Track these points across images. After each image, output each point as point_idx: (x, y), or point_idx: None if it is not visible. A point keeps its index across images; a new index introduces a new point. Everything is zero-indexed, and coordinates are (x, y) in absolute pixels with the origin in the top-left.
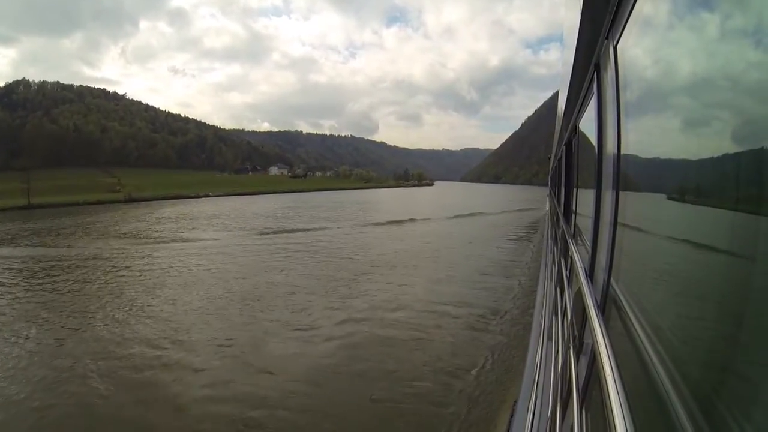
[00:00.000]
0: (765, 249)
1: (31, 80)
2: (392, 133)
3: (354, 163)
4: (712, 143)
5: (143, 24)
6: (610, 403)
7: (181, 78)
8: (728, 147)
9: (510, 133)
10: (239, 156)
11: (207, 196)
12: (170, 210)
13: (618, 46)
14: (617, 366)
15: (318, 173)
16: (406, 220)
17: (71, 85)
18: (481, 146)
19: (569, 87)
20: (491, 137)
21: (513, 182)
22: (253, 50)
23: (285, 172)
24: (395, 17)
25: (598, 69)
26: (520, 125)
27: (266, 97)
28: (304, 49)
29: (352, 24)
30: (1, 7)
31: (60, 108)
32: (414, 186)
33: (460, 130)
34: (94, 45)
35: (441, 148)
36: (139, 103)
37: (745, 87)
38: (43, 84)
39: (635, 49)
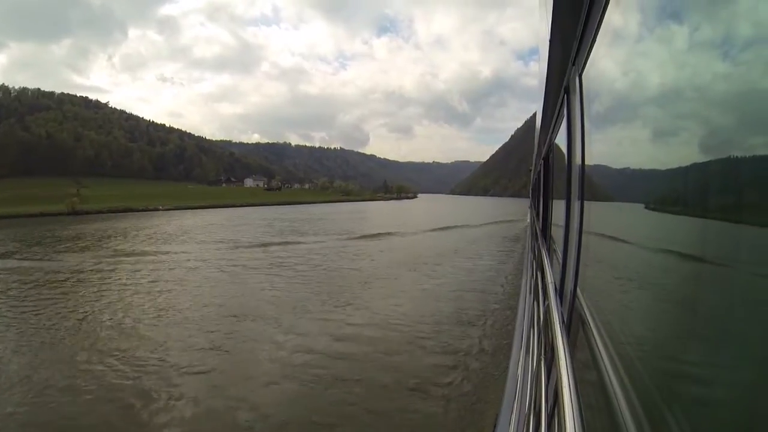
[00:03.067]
0: (728, 256)
1: (10, 86)
2: (383, 145)
3: (343, 175)
4: (674, 157)
5: (132, 32)
6: (565, 420)
7: (170, 87)
8: (691, 160)
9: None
10: (220, 167)
11: (156, 209)
12: (76, 228)
13: (583, 73)
14: (575, 382)
15: (296, 185)
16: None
17: (52, 92)
18: (472, 159)
19: (544, 106)
20: (483, 150)
21: (501, 194)
22: (243, 60)
23: (261, 184)
24: (386, 27)
25: (567, 92)
26: (510, 137)
27: (257, 108)
28: (294, 60)
29: (342, 34)
30: None
31: (35, 115)
32: (393, 199)
33: (452, 142)
34: (82, 52)
35: (432, 161)
36: (122, 111)
37: (711, 100)
38: (23, 90)
39: (599, 74)
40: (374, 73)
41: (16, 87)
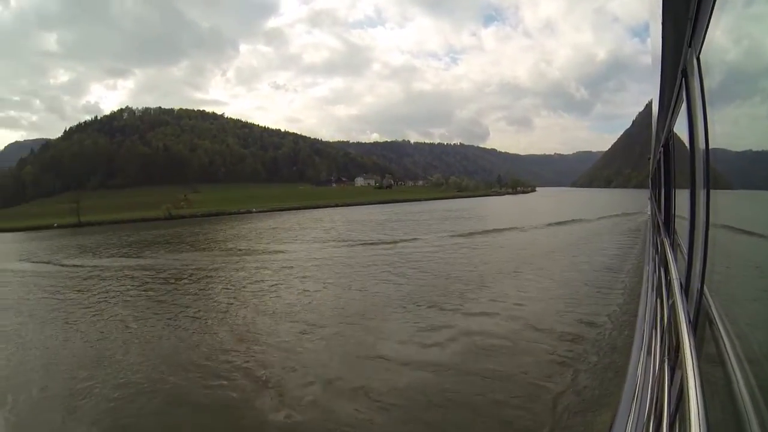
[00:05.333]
0: None
1: (134, 108)
2: (503, 138)
3: (463, 170)
4: None
5: (243, 47)
6: (690, 427)
7: (284, 94)
8: None
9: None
10: (333, 167)
11: (249, 212)
12: (149, 232)
13: (701, 53)
14: (701, 387)
15: (410, 183)
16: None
17: (171, 109)
18: (594, 149)
19: (660, 91)
20: (605, 138)
21: (625, 185)
22: (352, 62)
23: (372, 182)
24: (491, 16)
25: (685, 75)
26: (631, 123)
27: (372, 108)
28: (404, 58)
29: (447, 28)
30: (117, 45)
31: (154, 131)
32: (508, 194)
33: (572, 132)
34: (199, 71)
35: (553, 153)
36: (237, 120)
37: None
38: (146, 110)
39: (720, 53)
40: (486, 66)
41: (140, 108)
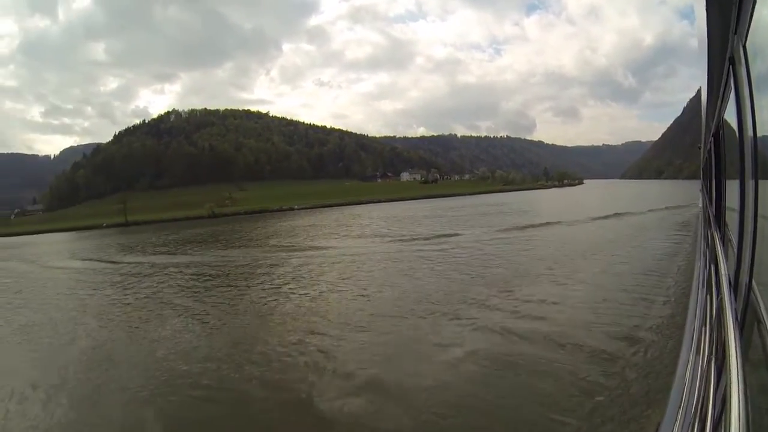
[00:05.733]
0: None
1: (180, 110)
2: (550, 130)
3: (511, 164)
4: None
5: (286, 46)
6: (730, 430)
7: (329, 91)
8: None
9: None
10: (379, 162)
11: (291, 209)
12: (183, 232)
13: (747, 41)
14: (745, 389)
15: (456, 177)
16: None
17: (216, 110)
18: (644, 138)
19: (708, 79)
20: (655, 128)
21: (676, 176)
22: (395, 57)
23: (417, 177)
24: (534, 5)
25: (732, 63)
26: (681, 110)
27: (418, 102)
28: (447, 51)
29: (490, 18)
30: (162, 51)
31: (200, 132)
32: (555, 187)
33: (621, 121)
34: (244, 71)
35: (601, 144)
36: (282, 119)
37: None
38: (192, 112)
39: (765, 40)
40: (530, 56)
41: (186, 110)
